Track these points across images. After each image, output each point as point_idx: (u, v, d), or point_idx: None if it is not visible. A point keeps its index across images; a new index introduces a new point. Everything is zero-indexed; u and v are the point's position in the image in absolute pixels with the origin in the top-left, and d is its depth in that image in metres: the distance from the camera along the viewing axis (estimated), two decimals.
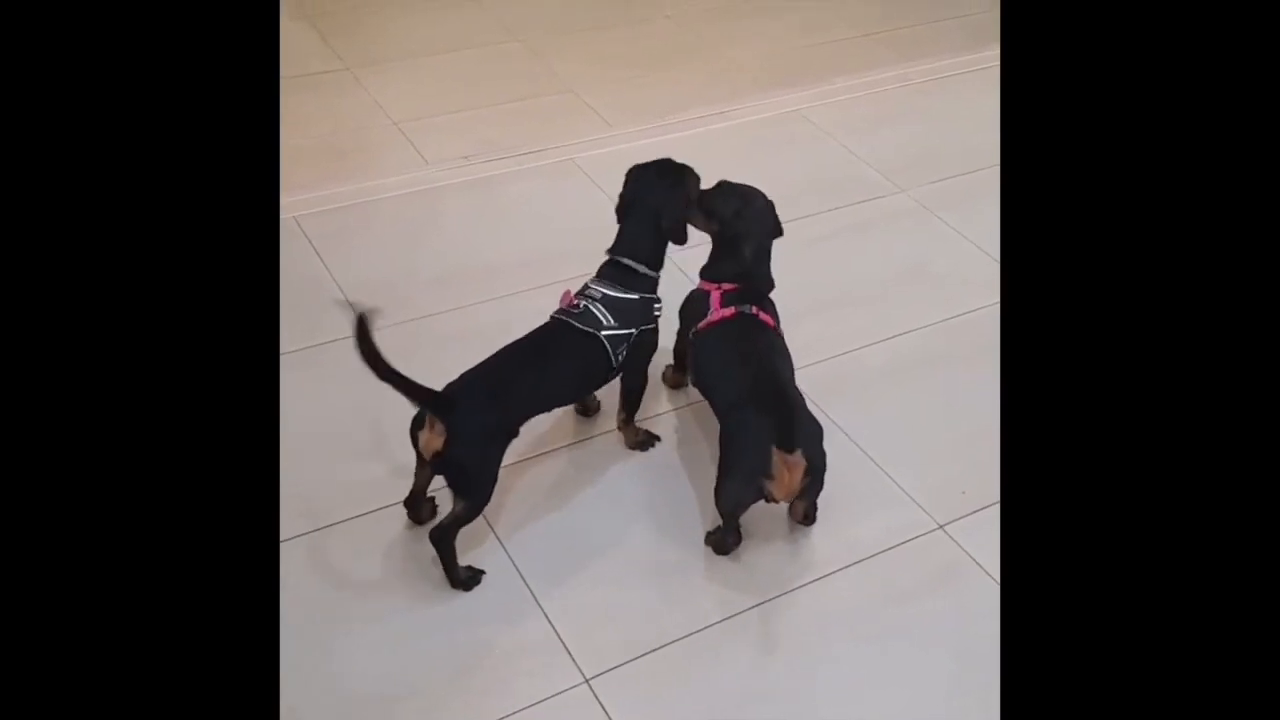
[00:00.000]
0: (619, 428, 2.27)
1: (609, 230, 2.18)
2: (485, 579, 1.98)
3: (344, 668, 1.84)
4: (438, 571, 1.96)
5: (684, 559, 2.04)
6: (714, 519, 2.05)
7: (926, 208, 3.08)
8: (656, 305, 2.14)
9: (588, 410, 2.32)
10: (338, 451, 2.23)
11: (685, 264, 2.41)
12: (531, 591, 1.97)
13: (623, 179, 2.19)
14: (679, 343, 2.29)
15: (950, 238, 2.96)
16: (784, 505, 2.03)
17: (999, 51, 4.09)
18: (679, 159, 2.21)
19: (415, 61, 3.83)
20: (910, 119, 3.56)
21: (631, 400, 2.21)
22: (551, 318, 2.10)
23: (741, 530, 2.03)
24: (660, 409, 2.36)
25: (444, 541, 1.92)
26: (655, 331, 2.15)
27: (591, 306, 2.06)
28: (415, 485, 2.03)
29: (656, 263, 2.14)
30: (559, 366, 2.03)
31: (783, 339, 2.13)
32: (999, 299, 2.67)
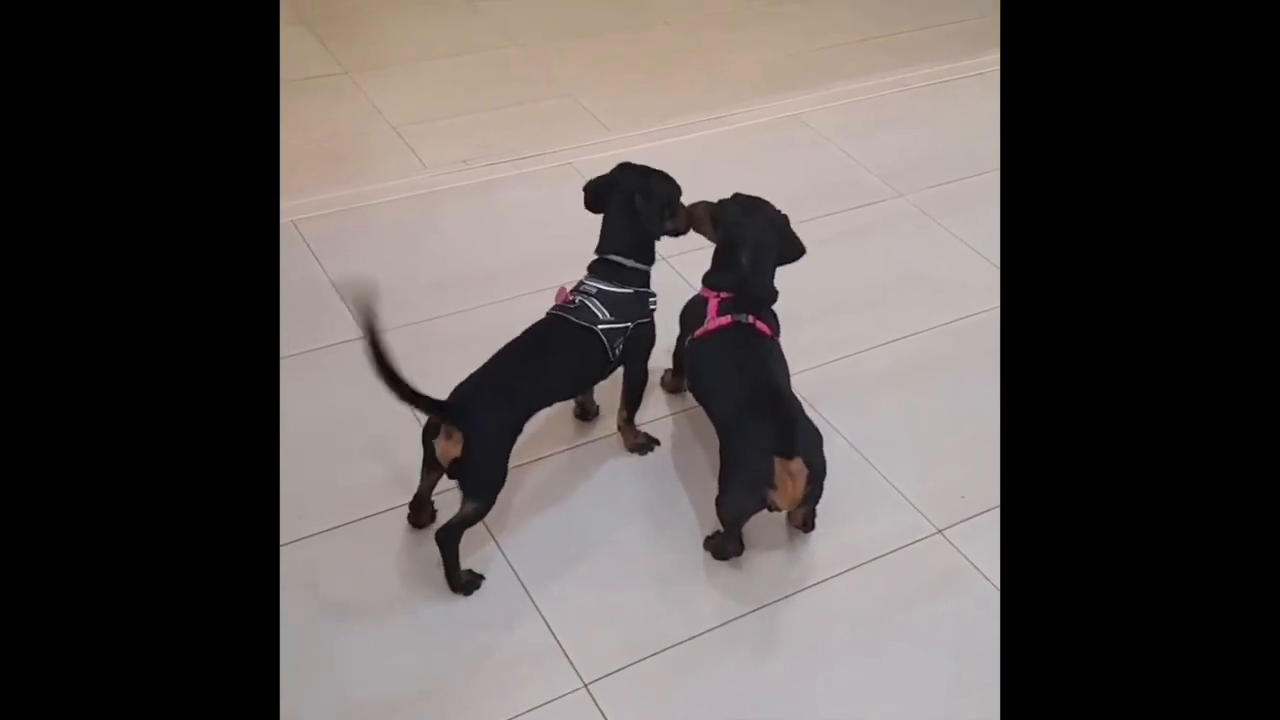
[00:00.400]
0: (619, 428, 2.27)
1: None
2: (484, 584, 1.97)
3: (342, 672, 1.84)
4: (436, 576, 1.96)
5: (683, 563, 2.04)
6: (713, 523, 2.04)
7: (925, 212, 3.08)
8: (651, 299, 2.15)
9: (586, 414, 2.32)
10: (334, 455, 2.23)
11: (686, 271, 2.41)
12: (530, 596, 1.97)
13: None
14: (678, 348, 2.29)
15: (949, 242, 2.96)
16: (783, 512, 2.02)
17: (997, 57, 4.10)
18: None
19: (414, 66, 3.83)
20: (909, 124, 3.56)
21: (633, 397, 2.22)
22: (548, 314, 2.11)
23: (743, 539, 2.02)
24: (658, 414, 2.35)
25: (449, 542, 1.92)
26: (652, 325, 2.16)
27: (587, 301, 2.08)
28: (420, 489, 2.04)
29: (644, 256, 2.15)
30: (558, 361, 2.04)
31: (780, 347, 2.13)
32: (998, 304, 2.68)
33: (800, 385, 2.11)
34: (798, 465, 1.86)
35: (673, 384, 2.39)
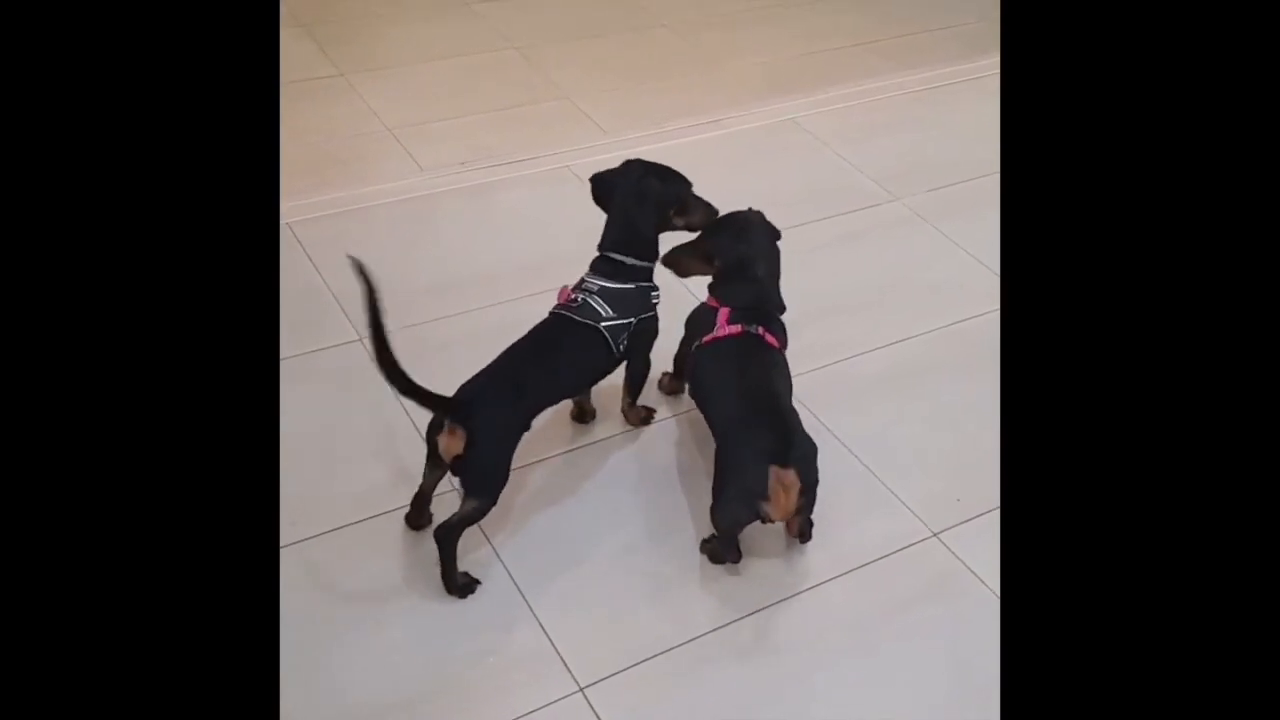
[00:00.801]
0: (622, 411, 2.31)
1: None
2: (479, 587, 1.97)
3: (338, 676, 1.84)
4: (433, 579, 1.96)
5: (679, 567, 2.04)
6: (709, 528, 2.05)
7: (921, 216, 3.09)
8: (654, 294, 2.15)
9: (584, 416, 2.33)
10: (331, 458, 2.23)
11: (692, 283, 2.41)
12: (526, 599, 1.97)
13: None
14: (680, 353, 2.30)
15: (944, 246, 2.97)
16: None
17: (993, 61, 4.13)
18: (674, 167, 2.22)
19: (411, 68, 3.83)
20: (905, 128, 3.57)
21: (634, 386, 2.26)
22: (550, 313, 2.11)
23: (740, 546, 2.02)
24: (657, 416, 2.35)
25: (448, 540, 1.92)
26: (655, 319, 2.17)
27: (589, 299, 2.08)
28: (422, 487, 2.04)
29: (646, 253, 2.15)
30: (564, 359, 2.05)
31: (785, 360, 2.14)
32: (993, 308, 2.70)
33: (795, 388, 2.11)
34: (791, 477, 1.86)
35: (670, 386, 2.40)
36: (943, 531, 2.12)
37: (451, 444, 1.87)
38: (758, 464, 1.87)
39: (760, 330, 2.11)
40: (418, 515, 2.07)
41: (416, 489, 2.04)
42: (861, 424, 2.35)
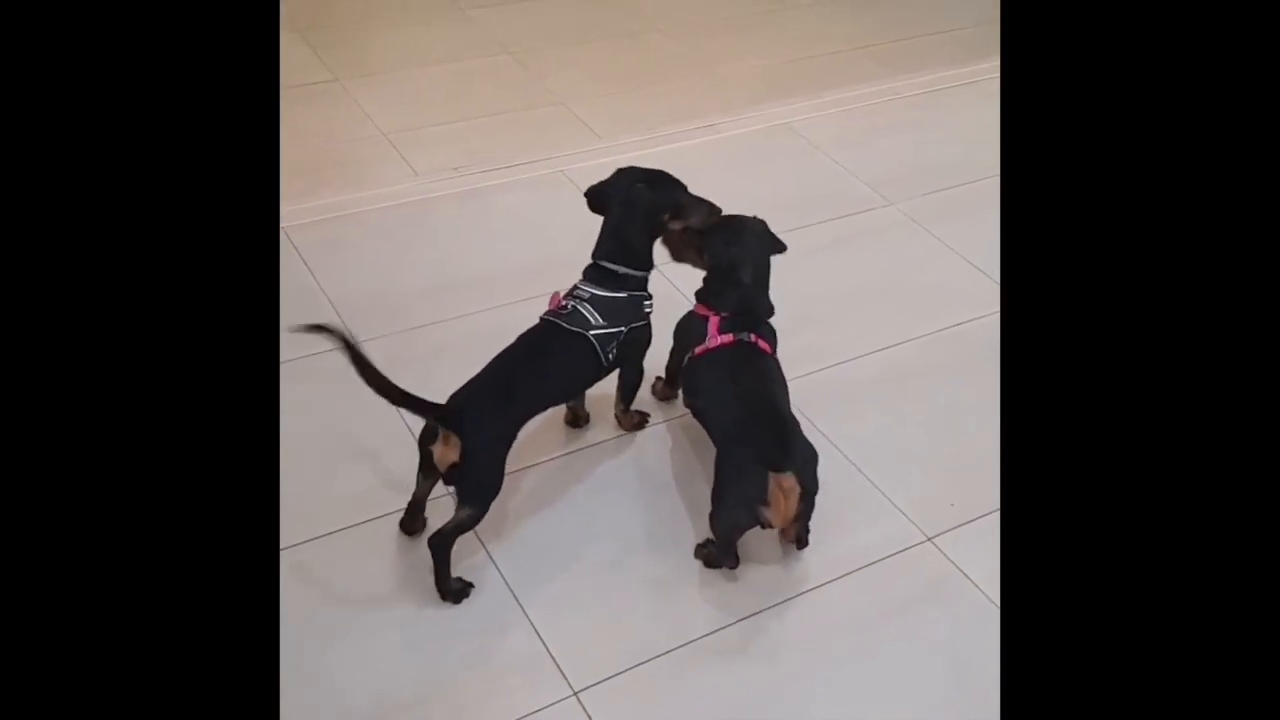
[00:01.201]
0: (616, 416, 2.32)
1: None
2: (474, 592, 1.97)
3: (334, 679, 1.83)
4: (427, 584, 1.96)
5: (674, 571, 2.04)
6: (704, 531, 2.05)
7: (915, 221, 3.09)
8: (647, 302, 2.15)
9: (578, 421, 2.33)
10: (330, 461, 2.23)
11: (678, 279, 2.41)
12: (520, 603, 1.97)
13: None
14: (671, 362, 2.30)
15: (939, 251, 2.97)
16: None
17: (990, 65, 4.13)
18: (670, 172, 2.22)
19: (406, 73, 3.83)
20: (900, 133, 3.57)
21: (627, 393, 2.27)
22: (540, 319, 2.11)
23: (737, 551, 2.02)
24: (651, 421, 2.36)
25: (442, 548, 1.92)
26: (647, 327, 2.17)
27: (579, 307, 2.08)
28: (416, 495, 2.04)
29: (640, 262, 2.15)
30: (552, 366, 2.05)
31: (779, 365, 2.14)
32: (988, 311, 2.70)
33: (790, 393, 2.11)
34: (791, 483, 1.86)
35: (664, 392, 2.40)
36: (937, 536, 2.12)
37: (446, 453, 1.87)
38: (758, 470, 1.87)
39: (753, 338, 2.11)
40: (412, 521, 2.07)
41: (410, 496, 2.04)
42: (855, 428, 2.35)
